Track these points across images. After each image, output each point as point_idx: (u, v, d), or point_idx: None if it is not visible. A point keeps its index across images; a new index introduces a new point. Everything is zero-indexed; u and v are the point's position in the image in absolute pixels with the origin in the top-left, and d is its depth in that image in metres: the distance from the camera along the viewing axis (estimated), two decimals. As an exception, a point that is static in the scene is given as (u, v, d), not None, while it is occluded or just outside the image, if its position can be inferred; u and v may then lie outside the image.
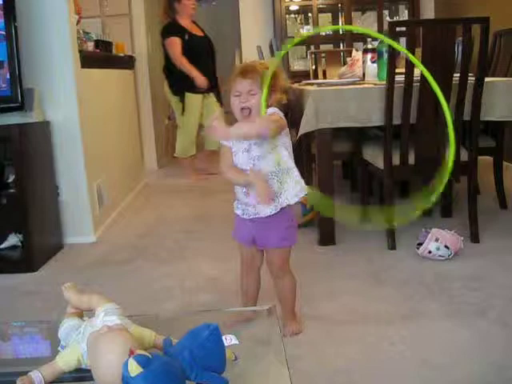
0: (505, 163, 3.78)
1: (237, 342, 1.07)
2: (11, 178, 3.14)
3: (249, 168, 1.99)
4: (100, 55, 4.13)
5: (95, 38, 4.06)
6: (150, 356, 0.94)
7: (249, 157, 2.00)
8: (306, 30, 6.50)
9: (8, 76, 3.00)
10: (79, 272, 3.00)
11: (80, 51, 3.54)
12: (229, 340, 1.06)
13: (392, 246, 3.06)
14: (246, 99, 1.96)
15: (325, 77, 4.71)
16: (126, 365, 0.92)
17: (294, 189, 2.02)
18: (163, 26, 5.20)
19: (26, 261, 3.07)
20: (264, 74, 1.90)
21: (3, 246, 3.24)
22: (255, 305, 2.20)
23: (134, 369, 0.91)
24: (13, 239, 3.24)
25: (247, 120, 1.98)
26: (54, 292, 1.22)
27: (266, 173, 1.98)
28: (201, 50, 5.16)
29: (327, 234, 3.17)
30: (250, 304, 2.20)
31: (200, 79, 5.04)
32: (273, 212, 2.01)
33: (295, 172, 2.02)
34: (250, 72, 1.96)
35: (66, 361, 1.07)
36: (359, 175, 3.61)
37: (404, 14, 6.60)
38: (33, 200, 3.09)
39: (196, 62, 5.03)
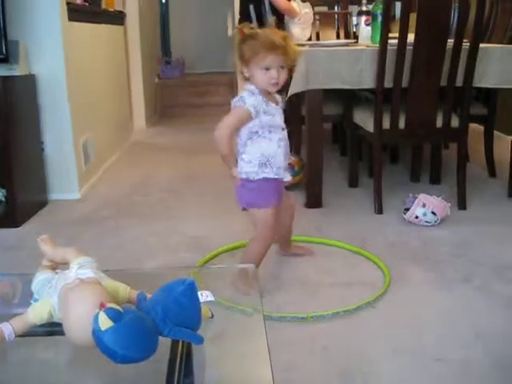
0: (496, 132, 3.75)
1: (212, 299, 1.05)
2: (-6, 132, 3.08)
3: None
4: (88, 9, 4.02)
5: (84, -9, 3.95)
6: (121, 310, 0.91)
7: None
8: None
9: (-8, 27, 2.92)
10: (63, 228, 2.96)
11: (68, 4, 3.43)
12: (205, 296, 1.03)
13: (379, 210, 3.04)
14: (277, 75, 1.96)
15: (318, 39, 4.65)
16: (96, 318, 0.89)
17: None
18: None
19: (10, 216, 3.02)
20: (295, 50, 1.98)
21: (-14, 200, 3.19)
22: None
23: (105, 322, 0.88)
24: (-4, 194, 3.20)
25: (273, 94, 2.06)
26: (37, 247, 1.20)
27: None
28: None
29: (314, 197, 3.15)
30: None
31: None
32: None
33: None
34: (282, 48, 1.94)
35: (37, 313, 1.04)
36: (349, 139, 3.57)
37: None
38: (17, 155, 3.03)
39: None
